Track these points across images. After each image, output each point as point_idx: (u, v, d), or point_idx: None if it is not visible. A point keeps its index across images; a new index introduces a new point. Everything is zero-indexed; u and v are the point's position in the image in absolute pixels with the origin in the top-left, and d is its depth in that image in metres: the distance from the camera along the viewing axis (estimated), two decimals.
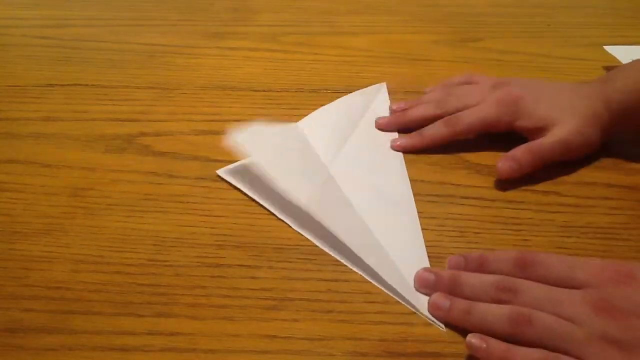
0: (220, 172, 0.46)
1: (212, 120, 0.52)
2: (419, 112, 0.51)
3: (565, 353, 0.31)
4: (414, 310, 0.36)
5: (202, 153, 0.49)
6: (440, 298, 0.36)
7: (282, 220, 0.42)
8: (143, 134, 0.51)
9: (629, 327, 0.30)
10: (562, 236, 0.41)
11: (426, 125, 0.50)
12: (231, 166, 0.47)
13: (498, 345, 0.32)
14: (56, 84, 0.58)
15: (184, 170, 0.47)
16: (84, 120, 0.53)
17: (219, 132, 0.51)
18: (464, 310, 0.34)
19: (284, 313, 0.36)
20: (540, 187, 0.45)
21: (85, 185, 0.45)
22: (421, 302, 0.36)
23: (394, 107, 0.53)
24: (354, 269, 0.39)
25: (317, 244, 0.41)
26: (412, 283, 0.37)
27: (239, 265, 0.39)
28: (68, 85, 0.58)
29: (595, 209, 0.43)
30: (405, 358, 0.34)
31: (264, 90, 0.57)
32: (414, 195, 0.45)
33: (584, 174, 0.46)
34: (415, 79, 0.58)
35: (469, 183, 0.46)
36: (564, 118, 0.46)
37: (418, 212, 0.43)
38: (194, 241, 0.41)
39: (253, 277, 0.38)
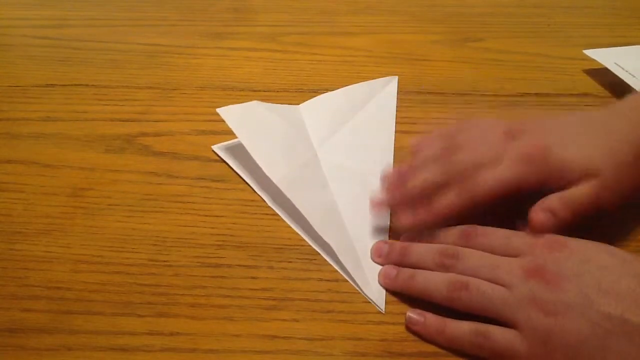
0: (215, 147, 0.48)
1: (212, 120, 0.52)
2: (420, 181, 0.40)
3: (498, 316, 0.33)
4: (358, 290, 0.37)
5: (202, 153, 0.49)
6: (389, 268, 0.38)
7: (262, 198, 0.44)
8: (143, 134, 0.51)
9: (558, 290, 0.32)
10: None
11: (431, 191, 0.39)
12: (225, 142, 0.49)
13: (435, 319, 0.34)
14: (56, 84, 0.58)
15: (184, 170, 0.47)
16: (84, 120, 0.53)
17: (219, 132, 0.51)
18: (409, 276, 0.37)
19: (284, 313, 0.36)
20: None
21: (85, 185, 0.45)
22: (366, 283, 0.38)
23: (387, 177, 0.42)
24: (315, 247, 0.40)
25: (288, 222, 0.42)
26: (364, 264, 0.39)
27: (239, 265, 0.39)
28: (68, 85, 0.58)
29: None
30: (405, 358, 0.34)
31: (264, 90, 0.57)
32: None
33: None
34: (415, 79, 0.58)
35: None
36: (602, 165, 0.37)
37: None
38: (194, 241, 0.41)
39: (253, 277, 0.38)
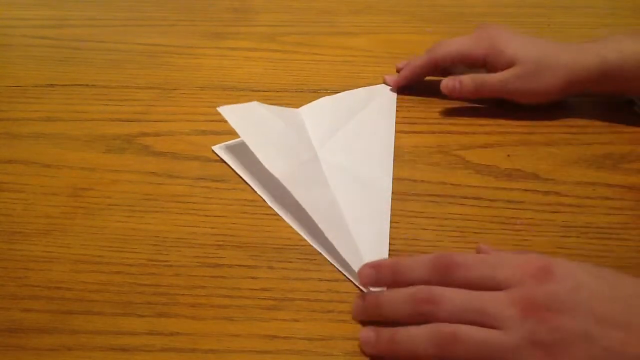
0: (215, 147, 0.49)
1: (212, 120, 0.52)
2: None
3: None
4: (361, 289, 0.37)
5: (202, 153, 0.49)
6: (365, 331, 0.33)
7: (262, 198, 0.44)
8: (143, 134, 0.51)
9: (555, 328, 0.30)
10: (562, 236, 0.41)
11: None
12: (225, 143, 0.49)
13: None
14: (56, 84, 0.58)
15: (184, 170, 0.47)
16: (84, 120, 0.53)
17: (219, 132, 0.51)
18: (388, 339, 0.32)
19: (284, 313, 0.36)
20: (540, 187, 0.45)
21: (85, 185, 0.45)
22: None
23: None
24: (315, 247, 0.40)
25: (289, 221, 0.42)
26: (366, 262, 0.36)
27: (239, 265, 0.39)
28: (68, 85, 0.58)
29: (595, 209, 0.43)
30: None
31: (264, 90, 0.57)
32: (415, 195, 0.45)
33: (584, 174, 0.46)
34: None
35: (469, 183, 0.46)
36: (525, 60, 0.50)
37: (418, 212, 0.43)
38: (194, 241, 0.41)
39: (253, 277, 0.38)
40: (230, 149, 0.49)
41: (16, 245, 0.40)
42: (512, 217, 0.43)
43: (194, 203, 0.44)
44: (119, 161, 0.48)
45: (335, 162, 0.47)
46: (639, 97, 0.53)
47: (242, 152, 0.46)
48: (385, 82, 0.57)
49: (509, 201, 0.44)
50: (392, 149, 0.49)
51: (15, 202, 0.44)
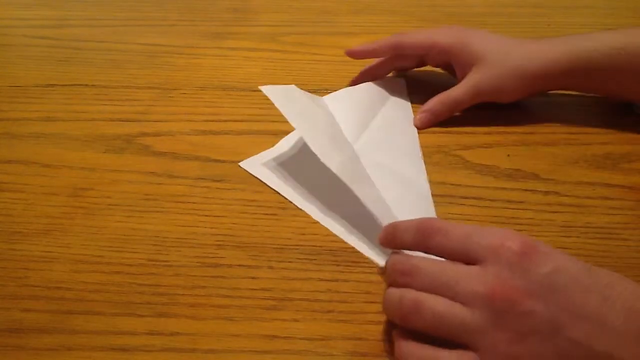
0: (243, 164, 0.47)
1: (212, 120, 0.52)
2: None
3: (457, 339, 0.30)
4: None
5: (202, 153, 0.49)
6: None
7: (304, 211, 0.43)
8: (143, 134, 0.51)
9: (524, 313, 0.29)
10: (562, 236, 0.41)
11: None
12: (254, 157, 0.48)
13: (394, 334, 0.33)
14: (56, 84, 0.58)
15: (184, 170, 0.47)
16: (84, 120, 0.53)
17: (219, 132, 0.51)
18: (384, 298, 0.33)
19: (284, 313, 0.36)
20: (540, 187, 0.45)
21: (85, 185, 0.45)
22: None
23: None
24: (354, 245, 0.40)
25: (324, 223, 0.41)
26: None
27: (239, 265, 0.39)
28: (68, 85, 0.58)
29: (595, 209, 0.43)
30: None
31: None
32: None
33: (584, 174, 0.46)
34: (415, 79, 0.58)
35: (469, 183, 0.46)
36: (488, 61, 0.49)
37: None
38: (194, 241, 0.41)
39: (253, 277, 0.38)
40: (259, 163, 0.47)
41: (16, 245, 0.40)
42: (512, 217, 0.43)
43: (194, 203, 0.44)
44: (119, 161, 0.48)
45: (373, 159, 0.47)
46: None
47: (272, 164, 0.47)
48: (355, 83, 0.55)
49: (509, 201, 0.44)
50: (419, 148, 0.49)
51: (15, 202, 0.44)
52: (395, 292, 0.32)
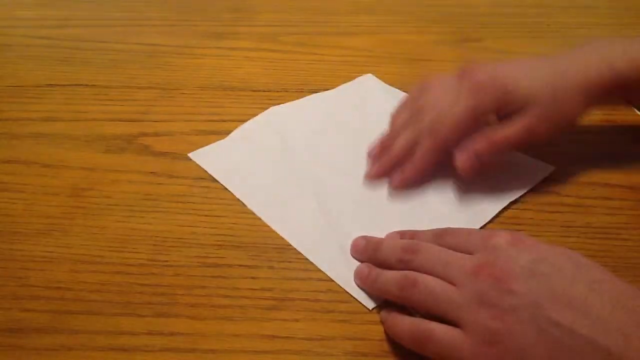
0: (191, 154, 0.48)
1: (212, 120, 0.52)
2: (400, 144, 0.45)
3: (443, 315, 0.32)
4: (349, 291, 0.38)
5: None
6: (362, 266, 0.38)
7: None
8: (143, 134, 0.51)
9: (506, 290, 0.30)
10: (562, 236, 0.41)
11: (409, 149, 0.44)
12: (204, 148, 0.49)
13: (384, 313, 0.36)
14: (56, 84, 0.58)
15: (184, 170, 0.47)
16: (84, 120, 0.53)
17: (219, 132, 0.51)
18: (374, 278, 0.37)
19: (284, 313, 0.36)
20: (540, 187, 0.45)
21: (85, 185, 0.45)
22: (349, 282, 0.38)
23: (372, 151, 0.47)
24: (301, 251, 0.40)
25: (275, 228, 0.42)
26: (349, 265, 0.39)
27: (239, 265, 0.39)
28: (68, 85, 0.58)
29: (595, 209, 0.43)
30: (405, 358, 0.33)
31: (264, 90, 0.57)
32: None
33: (584, 174, 0.46)
34: (415, 79, 0.58)
35: None
36: (540, 97, 0.41)
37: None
38: (194, 241, 0.41)
39: (253, 277, 0.38)
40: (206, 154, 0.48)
41: (16, 245, 0.40)
42: (512, 217, 0.43)
43: (194, 203, 0.44)
44: (119, 161, 0.48)
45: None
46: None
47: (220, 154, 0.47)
48: (371, 178, 0.46)
49: None
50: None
51: (15, 202, 0.44)
52: (393, 272, 0.36)
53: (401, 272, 0.35)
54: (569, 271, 0.30)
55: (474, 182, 0.44)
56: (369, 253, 0.39)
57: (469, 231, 0.36)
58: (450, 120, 0.42)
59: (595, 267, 0.31)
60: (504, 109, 0.42)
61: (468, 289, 0.31)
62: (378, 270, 0.37)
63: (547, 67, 0.43)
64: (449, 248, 0.35)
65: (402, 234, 0.40)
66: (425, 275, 0.34)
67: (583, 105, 0.43)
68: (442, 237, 0.37)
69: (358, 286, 0.37)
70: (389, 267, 0.36)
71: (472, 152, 0.42)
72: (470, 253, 0.34)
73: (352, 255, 0.39)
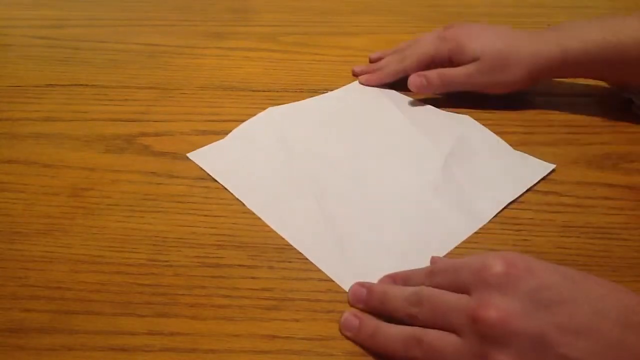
0: (191, 155, 0.48)
1: (212, 120, 0.52)
2: (380, 63, 0.59)
3: None
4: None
5: None
6: (350, 317, 0.35)
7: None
8: (143, 134, 0.51)
9: (509, 333, 0.29)
10: (562, 236, 0.41)
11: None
12: (203, 149, 0.49)
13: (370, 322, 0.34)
14: (56, 84, 0.58)
15: (184, 170, 0.47)
16: (84, 120, 0.53)
17: (219, 132, 0.51)
18: (370, 335, 0.34)
19: (284, 313, 0.36)
20: (540, 187, 0.45)
21: (85, 185, 0.45)
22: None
23: (363, 66, 0.60)
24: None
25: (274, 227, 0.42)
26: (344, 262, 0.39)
27: (239, 265, 0.39)
28: (68, 85, 0.58)
29: (595, 209, 0.43)
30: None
31: (264, 90, 0.57)
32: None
33: (584, 174, 0.46)
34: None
35: None
36: (487, 55, 0.51)
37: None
38: (194, 241, 0.41)
39: (253, 277, 0.38)
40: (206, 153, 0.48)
41: (16, 245, 0.40)
42: (512, 217, 0.43)
43: (194, 203, 0.44)
44: (119, 161, 0.48)
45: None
46: (638, 96, 0.53)
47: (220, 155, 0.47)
48: (360, 82, 0.58)
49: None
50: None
51: (15, 202, 0.44)
52: (396, 328, 0.33)
53: (405, 331, 0.33)
54: (568, 293, 0.29)
55: (474, 182, 0.44)
56: (374, 304, 0.36)
57: (455, 267, 0.34)
58: (416, 57, 0.56)
59: (592, 280, 0.30)
60: (456, 58, 0.53)
61: (470, 338, 0.30)
62: (372, 322, 0.34)
63: (509, 37, 0.52)
64: (443, 288, 0.33)
65: (394, 278, 0.37)
66: (429, 331, 0.32)
67: (526, 75, 0.51)
68: (433, 277, 0.34)
69: (346, 337, 0.35)
70: (398, 320, 0.34)
71: (423, 75, 0.54)
72: (466, 291, 0.32)
73: (351, 304, 0.36)
